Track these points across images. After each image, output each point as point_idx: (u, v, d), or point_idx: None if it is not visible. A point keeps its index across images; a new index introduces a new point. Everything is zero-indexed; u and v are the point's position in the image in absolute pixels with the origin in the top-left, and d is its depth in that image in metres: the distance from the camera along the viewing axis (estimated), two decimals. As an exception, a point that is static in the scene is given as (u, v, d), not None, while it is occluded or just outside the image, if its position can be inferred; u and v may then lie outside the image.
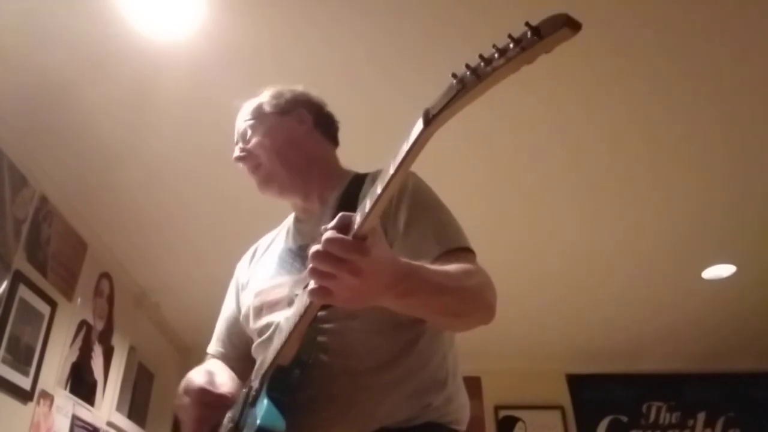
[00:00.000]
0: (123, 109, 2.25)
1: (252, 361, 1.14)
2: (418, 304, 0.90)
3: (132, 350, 3.54)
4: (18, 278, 2.38)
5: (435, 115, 0.65)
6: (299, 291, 0.96)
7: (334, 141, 1.34)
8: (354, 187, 1.14)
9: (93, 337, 3.03)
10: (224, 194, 2.69)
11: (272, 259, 1.24)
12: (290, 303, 1.01)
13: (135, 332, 3.51)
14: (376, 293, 0.81)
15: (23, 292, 2.41)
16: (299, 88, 1.33)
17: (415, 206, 1.08)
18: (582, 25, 0.53)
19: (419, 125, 0.67)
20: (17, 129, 2.33)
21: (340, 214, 0.77)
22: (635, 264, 3.27)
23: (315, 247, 0.76)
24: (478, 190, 2.70)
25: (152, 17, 1.91)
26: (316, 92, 1.35)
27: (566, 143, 2.45)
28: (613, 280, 3.42)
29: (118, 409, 3.32)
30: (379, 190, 0.72)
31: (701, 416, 4.28)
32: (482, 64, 0.59)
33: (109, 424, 3.17)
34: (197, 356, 1.36)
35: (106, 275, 3.18)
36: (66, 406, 2.74)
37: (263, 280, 1.20)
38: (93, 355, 3.03)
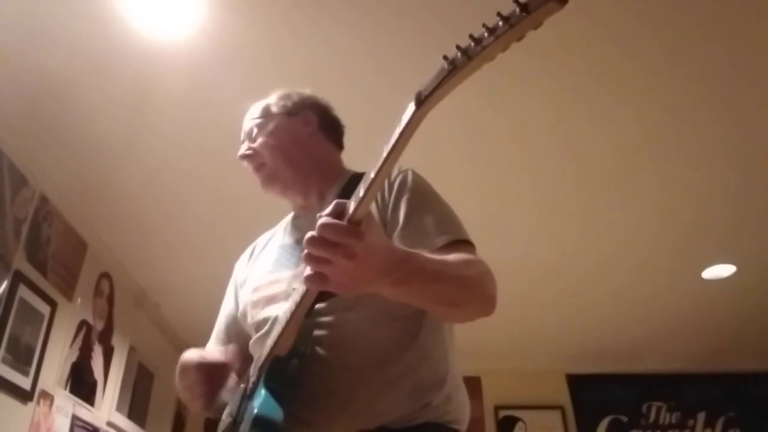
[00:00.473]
0: (123, 109, 2.25)
1: (251, 360, 1.14)
2: (414, 292, 0.90)
3: (132, 350, 3.54)
4: (18, 278, 2.38)
5: (427, 96, 0.65)
6: (297, 285, 0.96)
7: (339, 144, 1.35)
8: (353, 184, 1.14)
9: (93, 337, 3.03)
10: (224, 194, 2.69)
11: (270, 255, 1.25)
12: (288, 297, 1.01)
13: (135, 332, 3.52)
14: (371, 278, 0.81)
15: (23, 292, 2.41)
16: (307, 91, 1.36)
17: (415, 200, 1.09)
18: None
19: (411, 107, 0.67)
20: (17, 129, 2.33)
21: (335, 201, 0.78)
22: (635, 264, 3.27)
23: (310, 234, 0.76)
24: (478, 189, 2.70)
25: (152, 17, 1.91)
26: (322, 96, 1.36)
27: (566, 143, 2.45)
28: (613, 280, 3.42)
29: (118, 409, 3.32)
30: (372, 175, 0.73)
31: (701, 416, 4.28)
32: (472, 44, 0.60)
33: (109, 424, 3.17)
34: (197, 356, 1.36)
35: (106, 275, 3.18)
36: (66, 406, 2.74)
37: (261, 276, 1.21)
38: (93, 355, 3.03)
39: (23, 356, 2.42)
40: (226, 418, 1.09)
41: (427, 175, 1.16)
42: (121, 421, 3.35)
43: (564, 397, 4.35)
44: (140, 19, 1.91)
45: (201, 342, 1.33)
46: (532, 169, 2.61)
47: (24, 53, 2.01)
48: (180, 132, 2.38)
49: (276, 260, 1.21)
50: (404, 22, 1.93)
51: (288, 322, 0.96)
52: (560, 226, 2.98)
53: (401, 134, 0.69)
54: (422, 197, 1.10)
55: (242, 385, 1.10)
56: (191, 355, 1.15)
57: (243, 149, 1.29)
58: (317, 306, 1.02)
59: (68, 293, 2.78)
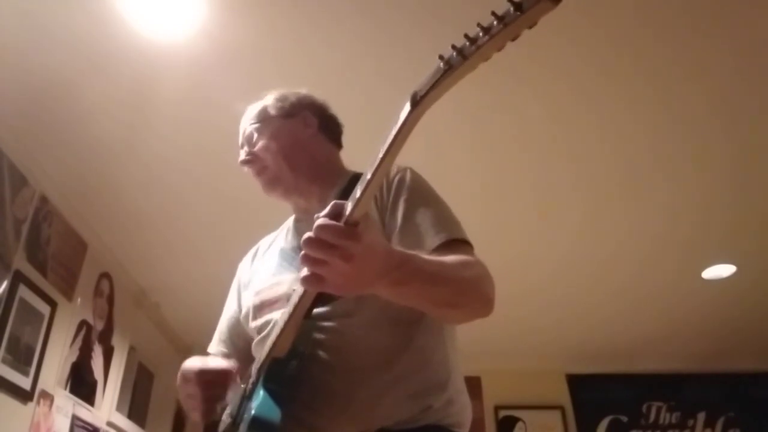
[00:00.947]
0: (123, 109, 2.25)
1: (253, 362, 1.14)
2: (412, 294, 0.89)
3: (132, 350, 3.54)
4: (18, 278, 2.38)
5: (422, 96, 0.65)
6: (297, 287, 0.96)
7: (338, 143, 1.35)
8: (353, 185, 1.15)
9: (93, 337, 3.03)
10: (224, 194, 2.69)
11: (272, 258, 1.24)
12: (289, 300, 1.01)
13: (135, 332, 3.52)
14: (369, 280, 0.81)
15: (23, 292, 2.41)
16: (303, 90, 1.34)
17: (413, 199, 1.08)
18: None
19: (407, 108, 0.67)
20: (17, 129, 2.33)
21: (332, 202, 0.78)
22: (635, 264, 3.27)
23: (307, 235, 0.76)
24: (478, 190, 2.70)
25: (152, 17, 1.91)
26: (318, 94, 1.35)
27: (567, 144, 2.45)
28: (613, 280, 3.42)
29: (118, 409, 3.32)
30: (369, 176, 0.73)
31: (701, 416, 4.28)
32: (468, 43, 0.60)
33: (109, 424, 3.17)
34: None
35: (106, 275, 3.18)
36: (66, 406, 2.74)
37: (263, 279, 1.21)
38: (93, 355, 3.03)
39: (23, 356, 2.42)
40: (226, 418, 1.09)
41: (427, 175, 1.16)
42: (121, 421, 3.35)
43: (564, 397, 4.35)
44: (140, 19, 1.91)
45: (201, 342, 1.33)
46: (532, 170, 2.60)
47: (24, 53, 2.01)
48: (180, 132, 2.38)
49: (278, 264, 1.21)
50: (404, 22, 1.93)
51: (286, 324, 0.96)
52: (560, 226, 2.98)
53: (397, 134, 0.69)
54: (420, 196, 1.10)
55: (242, 386, 1.10)
56: (193, 362, 1.14)
57: (243, 154, 1.28)
58: (318, 311, 1.02)
59: (68, 293, 2.78)
